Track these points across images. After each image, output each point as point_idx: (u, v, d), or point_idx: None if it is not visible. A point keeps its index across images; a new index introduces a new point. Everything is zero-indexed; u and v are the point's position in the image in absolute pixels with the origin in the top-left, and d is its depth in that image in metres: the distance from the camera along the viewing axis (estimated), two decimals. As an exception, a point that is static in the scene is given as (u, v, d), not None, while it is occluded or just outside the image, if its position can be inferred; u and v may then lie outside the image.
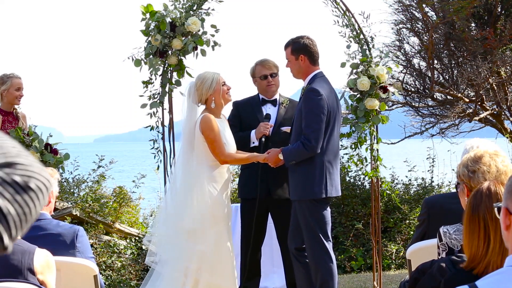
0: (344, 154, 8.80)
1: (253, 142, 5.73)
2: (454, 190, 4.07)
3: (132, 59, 5.87)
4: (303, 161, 5.26)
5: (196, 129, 5.22)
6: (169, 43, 5.76)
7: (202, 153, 5.25)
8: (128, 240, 8.34)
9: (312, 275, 5.37)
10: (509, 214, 2.10)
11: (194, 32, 5.74)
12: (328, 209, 5.38)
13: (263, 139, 5.63)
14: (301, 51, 5.29)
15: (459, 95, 9.37)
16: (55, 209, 6.81)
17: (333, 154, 5.35)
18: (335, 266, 5.35)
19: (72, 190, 8.45)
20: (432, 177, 9.14)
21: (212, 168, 5.27)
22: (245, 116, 5.85)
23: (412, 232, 8.29)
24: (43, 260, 3.44)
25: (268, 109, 5.89)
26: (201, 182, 5.23)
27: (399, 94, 8.62)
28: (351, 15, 5.90)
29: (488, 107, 9.74)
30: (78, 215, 7.72)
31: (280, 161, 5.28)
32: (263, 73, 5.85)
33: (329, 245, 5.30)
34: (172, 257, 5.23)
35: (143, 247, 8.18)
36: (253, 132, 5.71)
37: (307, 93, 5.24)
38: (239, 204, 6.40)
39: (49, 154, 5.69)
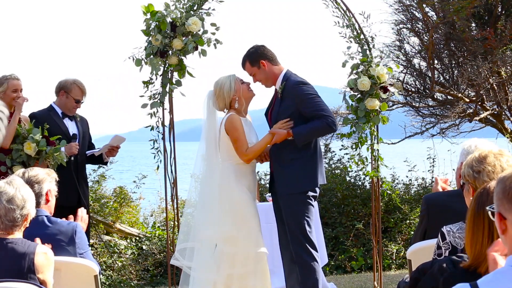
0: (344, 154, 8.83)
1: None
2: (453, 189, 4.08)
3: (133, 59, 5.88)
4: (304, 152, 5.26)
5: (222, 128, 5.27)
6: (169, 43, 5.77)
7: (227, 153, 5.29)
8: (128, 240, 8.34)
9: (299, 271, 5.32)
10: (503, 219, 2.11)
11: (194, 32, 5.75)
12: None
13: (72, 158, 6.06)
14: (259, 58, 5.33)
15: (460, 95, 9.37)
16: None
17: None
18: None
19: (72, 190, 8.44)
20: (432, 177, 9.14)
21: (239, 167, 5.28)
22: (52, 129, 5.96)
23: (412, 232, 8.29)
24: (43, 259, 3.43)
25: (69, 122, 6.22)
26: (228, 181, 5.24)
27: (399, 94, 8.63)
28: (351, 15, 5.90)
29: (488, 107, 9.73)
30: (79, 215, 7.72)
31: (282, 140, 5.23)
32: (77, 98, 6.17)
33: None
34: (201, 264, 5.23)
35: (144, 247, 8.18)
36: (63, 149, 6.00)
37: (298, 85, 5.25)
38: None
39: (44, 139, 5.70)
